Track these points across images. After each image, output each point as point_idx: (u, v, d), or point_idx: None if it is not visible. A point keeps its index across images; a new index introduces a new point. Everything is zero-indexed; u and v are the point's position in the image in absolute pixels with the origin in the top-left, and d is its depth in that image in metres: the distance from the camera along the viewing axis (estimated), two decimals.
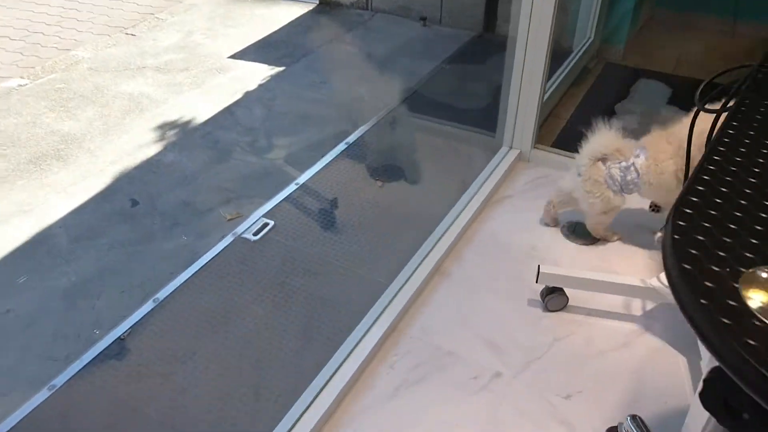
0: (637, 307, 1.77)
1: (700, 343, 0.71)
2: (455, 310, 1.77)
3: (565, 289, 1.74)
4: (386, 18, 3.87)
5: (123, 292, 1.89)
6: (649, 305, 1.77)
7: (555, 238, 2.03)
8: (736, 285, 0.67)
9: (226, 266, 1.96)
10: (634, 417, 1.38)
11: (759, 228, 0.76)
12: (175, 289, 1.87)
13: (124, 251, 2.04)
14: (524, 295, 1.81)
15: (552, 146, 2.47)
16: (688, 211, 0.80)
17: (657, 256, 1.94)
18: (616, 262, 1.93)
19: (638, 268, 1.90)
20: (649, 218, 2.08)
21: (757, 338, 0.61)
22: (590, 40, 3.10)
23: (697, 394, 0.80)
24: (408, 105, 2.89)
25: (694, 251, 0.73)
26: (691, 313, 0.67)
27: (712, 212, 0.79)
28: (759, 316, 0.64)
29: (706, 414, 0.86)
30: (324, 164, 2.44)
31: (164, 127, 2.74)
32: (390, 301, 1.74)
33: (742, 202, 0.81)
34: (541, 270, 1.70)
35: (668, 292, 1.63)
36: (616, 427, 1.41)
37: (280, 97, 3.00)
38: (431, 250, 1.92)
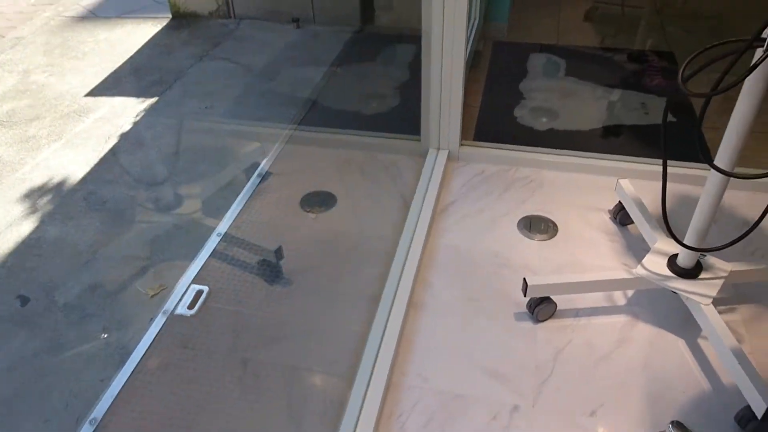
0: (619, 296, 1.74)
1: None
2: (445, 344, 1.62)
3: (552, 296, 1.66)
4: (254, 25, 3.55)
5: (47, 422, 1.50)
6: (629, 292, 1.75)
7: (513, 238, 1.94)
8: None
9: (169, 355, 1.64)
10: (674, 423, 1.33)
11: None
12: (114, 401, 1.52)
13: (31, 368, 1.64)
14: (509, 310, 1.71)
15: (474, 140, 2.39)
16: None
17: (618, 238, 1.93)
18: (582, 252, 1.88)
19: (607, 256, 1.86)
20: (593, 198, 2.06)
21: None
22: (477, 21, 3.05)
23: None
24: (312, 118, 2.65)
25: None
26: None
27: None
28: None
29: None
30: (242, 205, 2.15)
31: (33, 195, 2.27)
32: (377, 352, 1.55)
33: None
34: (528, 283, 1.59)
35: (656, 277, 1.61)
36: None
37: (164, 133, 2.62)
38: (399, 281, 1.75)
